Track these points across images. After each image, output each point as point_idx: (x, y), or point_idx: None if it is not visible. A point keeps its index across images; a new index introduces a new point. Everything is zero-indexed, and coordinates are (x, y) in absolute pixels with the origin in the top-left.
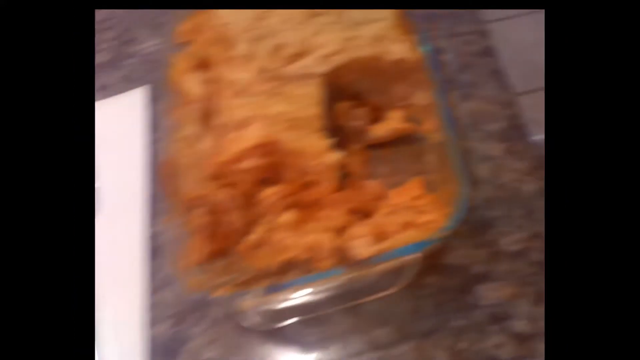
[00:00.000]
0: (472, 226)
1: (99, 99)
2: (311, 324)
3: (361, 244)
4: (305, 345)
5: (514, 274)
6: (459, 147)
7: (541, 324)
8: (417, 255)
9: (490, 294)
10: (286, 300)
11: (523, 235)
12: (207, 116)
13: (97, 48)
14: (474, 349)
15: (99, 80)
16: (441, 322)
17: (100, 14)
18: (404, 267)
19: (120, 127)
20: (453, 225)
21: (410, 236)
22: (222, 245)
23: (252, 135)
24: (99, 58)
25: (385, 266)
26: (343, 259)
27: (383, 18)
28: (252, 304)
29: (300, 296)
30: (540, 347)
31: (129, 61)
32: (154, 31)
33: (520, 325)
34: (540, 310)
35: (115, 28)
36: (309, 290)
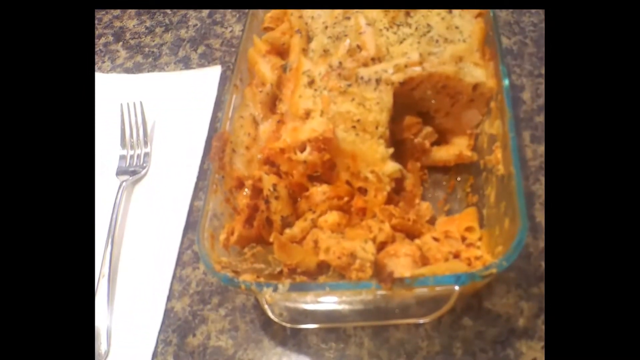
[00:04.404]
0: (523, 275)
1: (180, 69)
2: (331, 337)
3: (400, 263)
4: (320, 358)
5: None
6: (523, 187)
7: None
8: (456, 288)
9: (530, 353)
10: (311, 302)
11: None
12: (273, 101)
13: (188, 24)
14: None
15: (182, 52)
16: None
17: None
18: (440, 298)
19: (192, 99)
20: (502, 267)
21: (453, 267)
22: (259, 231)
23: (313, 128)
24: (188, 33)
25: (420, 292)
26: (379, 274)
27: (465, 39)
28: (276, 298)
29: (327, 302)
30: None
31: (212, 40)
32: (241, 18)
33: None
34: None
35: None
36: (337, 298)
